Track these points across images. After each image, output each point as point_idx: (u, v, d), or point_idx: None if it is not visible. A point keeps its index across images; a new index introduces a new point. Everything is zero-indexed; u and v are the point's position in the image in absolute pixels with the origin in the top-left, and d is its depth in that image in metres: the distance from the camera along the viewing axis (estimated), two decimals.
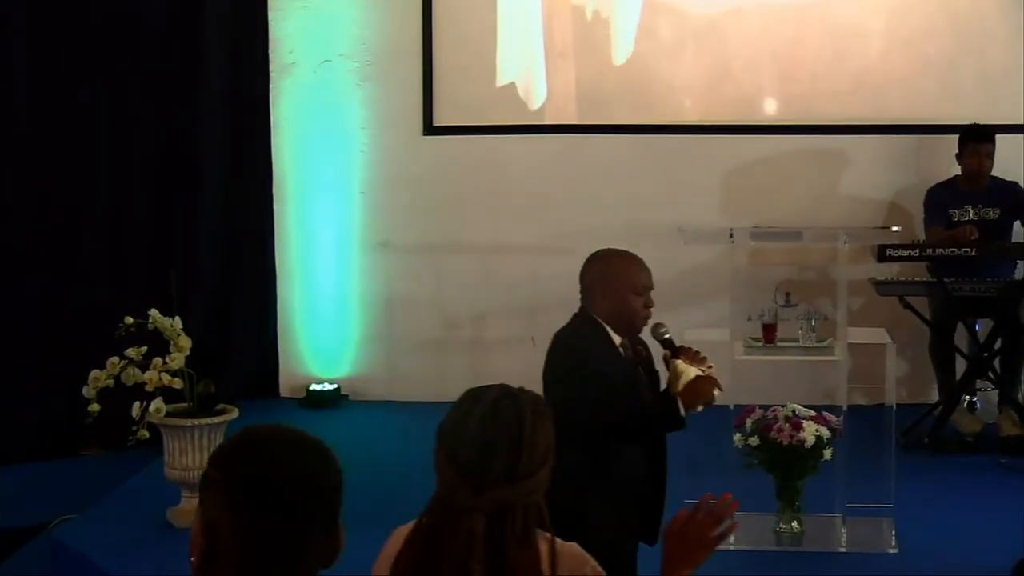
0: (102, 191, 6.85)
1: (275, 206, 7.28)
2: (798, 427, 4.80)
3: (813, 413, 4.89)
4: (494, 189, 7.24)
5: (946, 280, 6.26)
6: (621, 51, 7.21)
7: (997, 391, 6.48)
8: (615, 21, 7.19)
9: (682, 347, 3.77)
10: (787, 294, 5.37)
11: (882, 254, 5.91)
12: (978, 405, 6.58)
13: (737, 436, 4.91)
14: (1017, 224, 6.68)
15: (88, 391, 5.05)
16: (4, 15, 6.61)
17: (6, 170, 6.68)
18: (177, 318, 5.23)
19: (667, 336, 3.76)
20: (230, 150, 7.20)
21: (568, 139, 7.22)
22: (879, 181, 7.16)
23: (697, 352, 3.78)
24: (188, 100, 7.02)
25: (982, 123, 6.68)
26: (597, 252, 3.77)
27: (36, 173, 6.71)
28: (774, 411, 4.89)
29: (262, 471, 1.80)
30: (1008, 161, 6.74)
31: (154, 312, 5.19)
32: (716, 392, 3.65)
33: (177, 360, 5.13)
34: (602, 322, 3.62)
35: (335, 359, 7.33)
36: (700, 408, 3.61)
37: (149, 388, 5.09)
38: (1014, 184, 6.72)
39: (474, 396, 2.29)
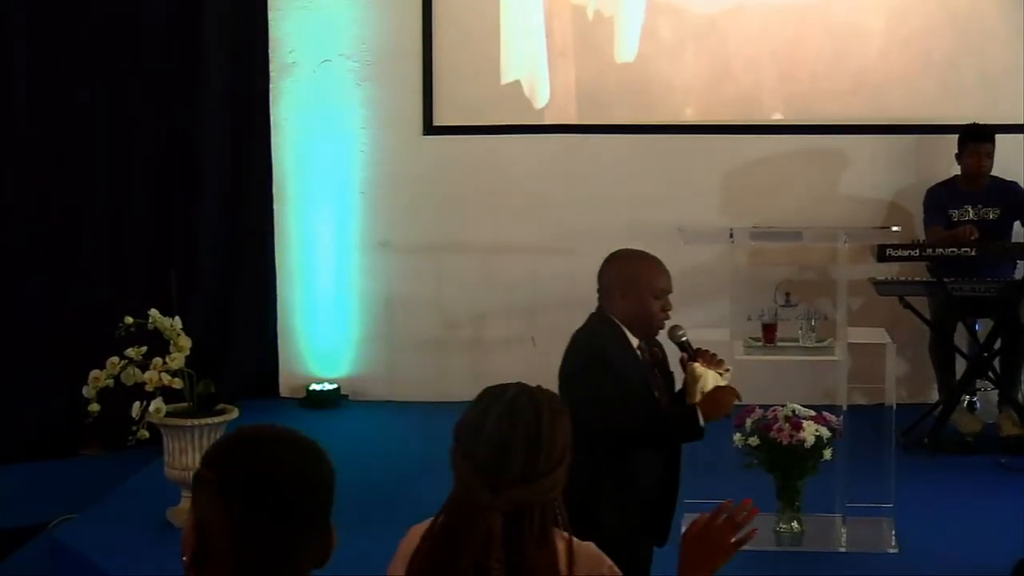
0: (102, 191, 6.85)
1: (275, 206, 7.28)
2: (798, 427, 4.80)
3: (813, 413, 4.89)
4: (494, 189, 7.24)
5: (946, 280, 6.26)
6: (621, 51, 7.21)
7: (997, 391, 6.48)
8: (615, 21, 7.19)
9: (699, 350, 3.75)
10: (787, 294, 5.37)
11: (882, 254, 5.91)
12: (978, 405, 6.58)
13: (737, 436, 4.91)
14: (1017, 224, 6.68)
15: (88, 391, 5.05)
16: (4, 15, 6.61)
17: (6, 170, 6.68)
18: (177, 318, 5.24)
19: (684, 339, 3.74)
20: (230, 150, 7.19)
21: (568, 139, 7.22)
22: (879, 181, 7.16)
23: (714, 355, 3.76)
24: (188, 100, 7.02)
25: (982, 123, 6.68)
26: (617, 252, 3.73)
27: (36, 173, 6.71)
28: (774, 411, 4.89)
29: (253, 471, 1.80)
30: (1008, 161, 6.74)
31: (154, 312, 5.20)
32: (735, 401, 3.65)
33: (177, 360, 5.13)
34: (619, 323, 3.59)
35: (335, 359, 7.33)
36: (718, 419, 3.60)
37: (149, 388, 5.09)
38: (1014, 184, 6.72)
39: (492, 395, 2.28)
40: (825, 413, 4.91)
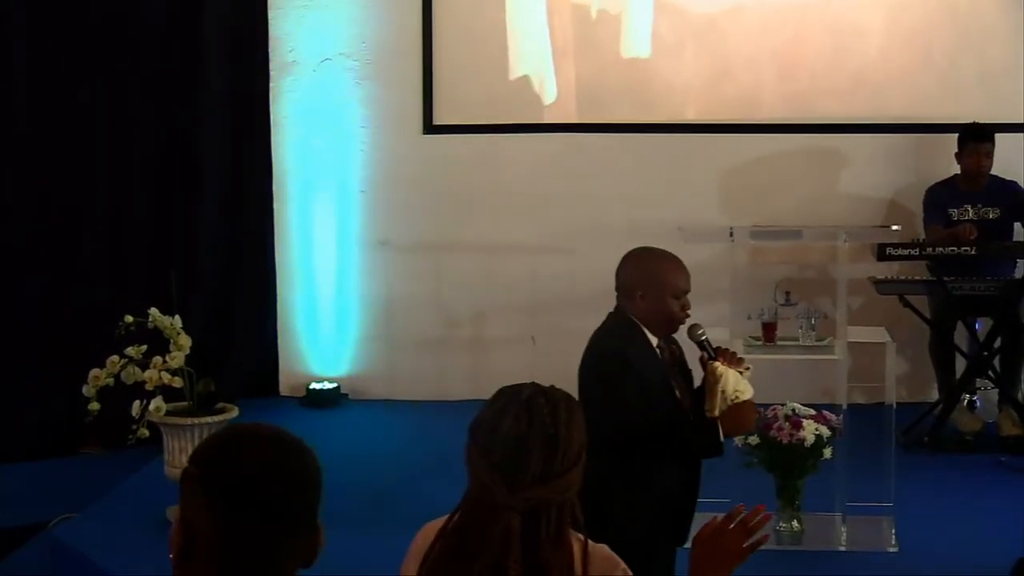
0: (102, 191, 6.85)
1: (275, 205, 7.28)
2: (798, 426, 4.80)
3: (813, 412, 4.89)
4: (494, 188, 7.24)
5: (946, 279, 6.26)
6: (621, 50, 7.20)
7: (997, 390, 6.48)
8: (615, 20, 7.19)
9: (719, 348, 3.73)
10: (787, 293, 5.37)
11: (882, 253, 5.91)
12: (978, 404, 6.58)
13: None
14: (1017, 224, 6.68)
15: (88, 390, 5.05)
16: (4, 15, 6.62)
17: (6, 170, 6.69)
18: (177, 317, 5.24)
19: (704, 337, 3.70)
20: (230, 150, 7.19)
21: (568, 138, 7.22)
22: (879, 180, 7.16)
23: (734, 353, 3.74)
24: (188, 100, 7.02)
25: (982, 122, 6.68)
26: (634, 251, 3.68)
27: (36, 173, 6.72)
28: (774, 410, 4.89)
29: (238, 469, 1.80)
30: (1008, 161, 6.74)
31: (154, 311, 5.20)
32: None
33: (177, 359, 5.13)
34: (638, 322, 3.56)
35: (335, 358, 7.33)
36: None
37: (149, 387, 5.09)
38: (1014, 184, 6.71)
39: (508, 394, 2.28)
40: (825, 412, 4.90)
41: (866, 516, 5.00)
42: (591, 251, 7.05)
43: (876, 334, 5.29)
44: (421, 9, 7.18)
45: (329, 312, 7.35)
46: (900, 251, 5.98)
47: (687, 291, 3.61)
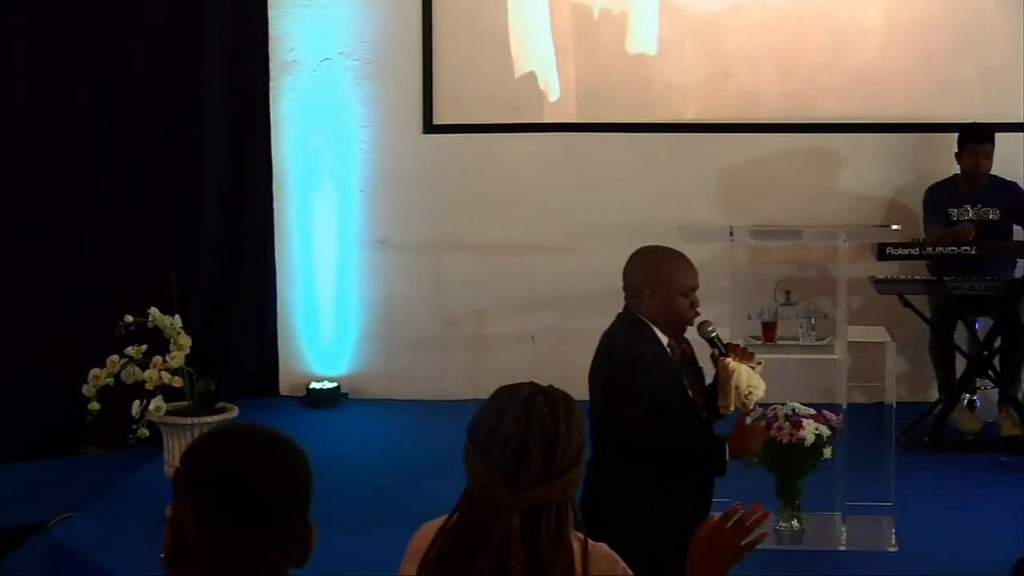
0: (102, 191, 6.85)
1: (275, 205, 7.28)
2: (798, 425, 4.80)
3: (813, 411, 4.89)
4: (494, 187, 7.24)
5: (946, 278, 6.26)
6: (621, 49, 7.20)
7: (997, 390, 6.48)
8: (615, 19, 7.19)
9: (730, 344, 3.72)
10: (787, 292, 5.37)
11: (882, 252, 5.91)
12: (978, 404, 6.57)
13: None
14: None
15: (88, 389, 5.05)
16: (4, 15, 6.61)
17: (6, 170, 6.68)
18: (177, 316, 5.24)
19: (714, 334, 3.69)
20: (230, 150, 7.19)
21: (568, 137, 7.22)
22: (878, 179, 7.16)
23: (745, 349, 3.73)
24: (188, 100, 7.02)
25: (982, 121, 6.67)
26: (641, 250, 3.66)
27: (36, 173, 6.72)
28: (774, 409, 4.88)
29: (225, 469, 1.80)
30: (1008, 161, 6.74)
31: (154, 310, 5.20)
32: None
33: (177, 358, 5.13)
34: (648, 322, 3.54)
35: (335, 357, 7.33)
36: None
37: (149, 386, 5.09)
38: (1014, 184, 6.71)
39: (507, 393, 2.27)
40: (825, 412, 4.90)
41: (866, 516, 5.00)
42: (591, 250, 7.05)
43: (876, 334, 5.29)
44: (421, 9, 7.19)
45: (329, 312, 7.35)
46: (900, 251, 5.98)
47: (695, 288, 3.59)
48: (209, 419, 5.17)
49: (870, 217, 7.02)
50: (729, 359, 3.62)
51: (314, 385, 7.22)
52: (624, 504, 3.43)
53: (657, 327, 3.55)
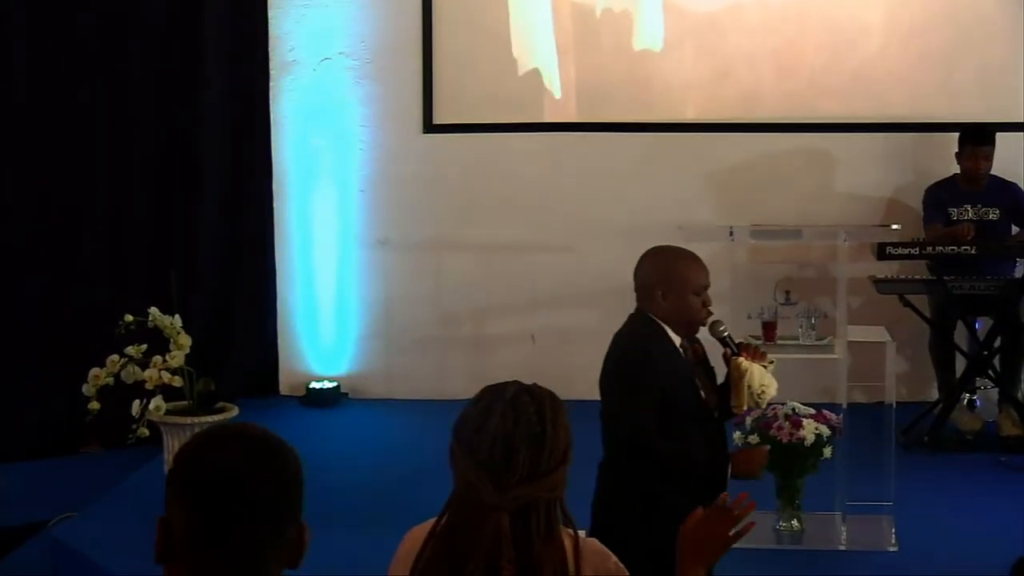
0: (102, 191, 6.85)
1: (275, 205, 7.28)
2: (798, 425, 4.80)
3: (813, 411, 4.89)
4: (493, 187, 7.24)
5: (946, 278, 6.26)
6: (621, 49, 7.20)
7: (997, 389, 6.48)
8: (616, 19, 7.19)
9: (742, 343, 3.72)
10: (787, 292, 5.37)
11: (882, 252, 5.91)
12: (978, 403, 6.58)
13: (737, 434, 4.90)
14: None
15: (88, 389, 5.06)
16: (4, 15, 6.61)
17: (6, 170, 6.68)
18: (177, 316, 5.25)
19: (727, 334, 3.69)
20: (230, 150, 7.19)
21: (567, 137, 7.22)
22: (878, 179, 7.16)
23: (757, 348, 3.73)
24: (188, 100, 7.02)
25: (982, 121, 6.67)
26: (652, 250, 3.65)
27: (36, 173, 6.72)
28: (774, 409, 4.88)
29: (214, 469, 1.79)
30: (1008, 161, 6.73)
31: (154, 310, 5.21)
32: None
33: (177, 358, 5.14)
34: (660, 322, 3.53)
35: (335, 357, 7.33)
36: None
37: (149, 386, 5.10)
38: (1014, 185, 6.71)
39: (492, 393, 2.27)
40: (825, 411, 4.90)
41: (866, 515, 5.00)
42: (590, 250, 7.06)
43: (876, 333, 5.29)
44: (421, 8, 7.19)
45: (329, 311, 7.35)
46: (900, 250, 5.98)
47: (707, 287, 3.59)
48: (209, 419, 5.18)
49: (870, 217, 7.02)
50: (741, 358, 3.62)
51: (314, 385, 7.22)
52: (636, 504, 3.44)
53: (669, 327, 3.54)
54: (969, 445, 6.19)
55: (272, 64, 7.22)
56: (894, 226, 6.01)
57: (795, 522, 4.94)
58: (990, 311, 6.40)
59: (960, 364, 6.49)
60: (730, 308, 5.13)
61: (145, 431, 5.08)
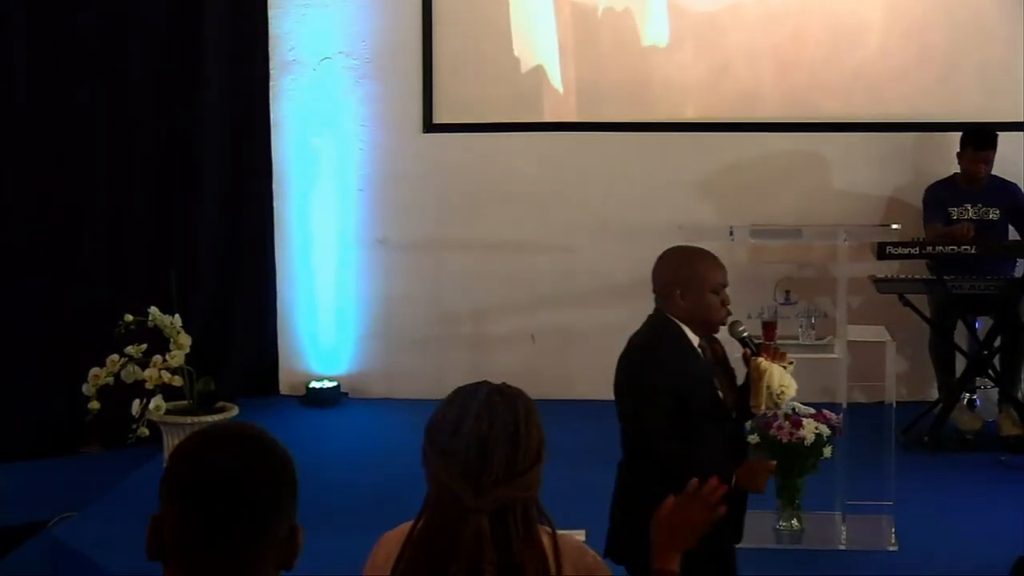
0: (102, 191, 6.85)
1: (275, 205, 7.28)
2: (798, 425, 4.80)
3: (813, 411, 4.89)
4: (493, 186, 7.24)
5: (946, 278, 6.26)
6: (621, 48, 7.20)
7: (997, 389, 6.48)
8: (616, 18, 7.19)
9: (761, 343, 3.71)
10: (787, 292, 5.37)
11: (882, 252, 5.90)
12: (978, 403, 6.58)
13: None
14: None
15: (88, 388, 5.06)
16: (4, 15, 6.61)
17: (6, 170, 6.68)
18: (177, 315, 5.24)
19: (745, 334, 3.68)
20: (230, 150, 7.19)
21: (567, 137, 7.22)
22: (878, 178, 7.15)
23: (776, 348, 3.72)
24: (188, 100, 7.02)
25: (982, 120, 6.67)
26: (669, 250, 3.64)
27: (36, 173, 6.71)
28: (774, 409, 4.88)
29: (205, 469, 1.79)
30: (1008, 161, 6.73)
31: (154, 310, 5.21)
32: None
33: (177, 358, 5.14)
34: (679, 323, 3.52)
35: (335, 357, 7.34)
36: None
37: (149, 386, 5.10)
38: (1014, 185, 6.71)
39: (465, 394, 2.26)
40: (825, 411, 4.90)
41: (866, 515, 5.00)
42: (590, 249, 7.06)
43: (876, 333, 5.29)
44: (421, 8, 7.19)
45: (329, 311, 7.35)
46: (900, 250, 5.97)
47: (725, 285, 3.58)
48: (209, 418, 5.18)
49: (870, 216, 7.02)
50: (761, 359, 3.61)
51: (314, 384, 7.22)
52: (653, 505, 3.43)
53: (688, 327, 3.53)
54: (969, 445, 6.19)
55: (272, 64, 7.22)
56: (894, 226, 6.01)
57: (795, 522, 4.93)
58: (990, 311, 6.40)
59: (960, 364, 6.49)
60: (730, 308, 5.13)
61: (145, 431, 5.08)
